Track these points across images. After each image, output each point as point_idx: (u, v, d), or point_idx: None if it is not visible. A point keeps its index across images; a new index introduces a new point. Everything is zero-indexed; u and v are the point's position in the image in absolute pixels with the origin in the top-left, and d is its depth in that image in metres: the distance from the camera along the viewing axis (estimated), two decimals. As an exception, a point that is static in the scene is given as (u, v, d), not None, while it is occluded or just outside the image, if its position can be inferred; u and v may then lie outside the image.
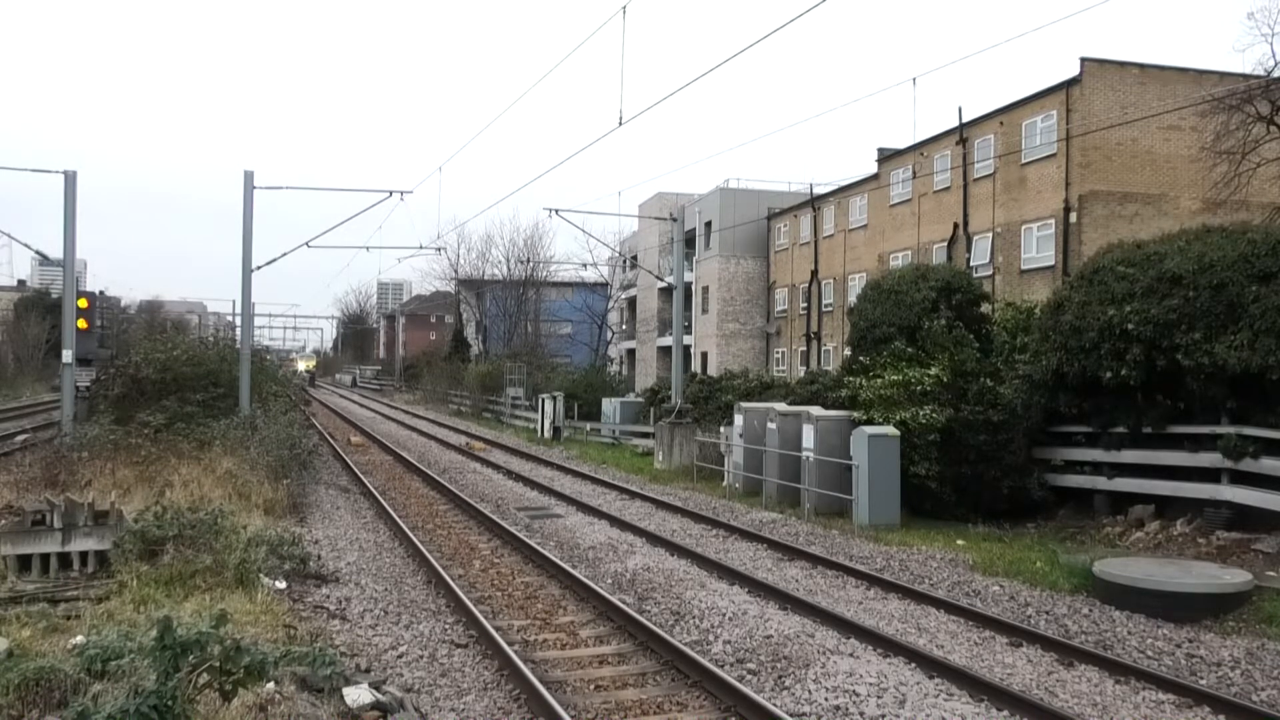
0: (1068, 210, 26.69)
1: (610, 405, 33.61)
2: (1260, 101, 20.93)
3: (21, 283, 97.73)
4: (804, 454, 17.39)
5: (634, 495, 19.71)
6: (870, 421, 16.53)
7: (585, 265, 58.00)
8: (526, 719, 7.37)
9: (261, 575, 9.88)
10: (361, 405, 58.18)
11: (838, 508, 16.58)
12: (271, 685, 6.05)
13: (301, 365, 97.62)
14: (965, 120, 31.17)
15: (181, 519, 10.32)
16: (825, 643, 9.04)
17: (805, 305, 42.45)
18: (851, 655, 8.72)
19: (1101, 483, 15.90)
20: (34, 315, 59.86)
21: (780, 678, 8.24)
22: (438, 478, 21.64)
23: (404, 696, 7.26)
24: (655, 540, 14.49)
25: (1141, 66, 27.35)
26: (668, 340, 48.71)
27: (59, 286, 34.52)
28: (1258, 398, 13.51)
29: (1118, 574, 10.89)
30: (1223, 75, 24.88)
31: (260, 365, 30.36)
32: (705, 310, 48.21)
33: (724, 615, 10.09)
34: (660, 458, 24.90)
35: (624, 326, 62.29)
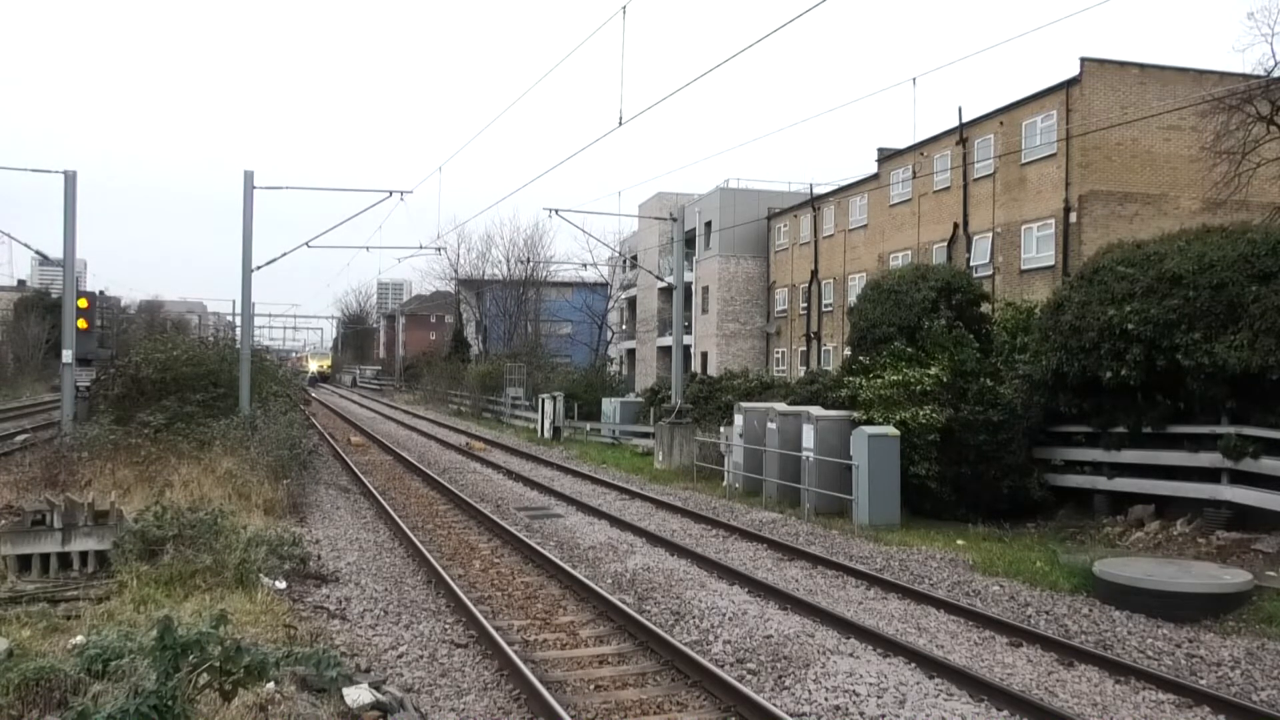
0: (1068, 210, 26.69)
1: (610, 405, 33.60)
2: (1260, 101, 20.91)
3: (21, 283, 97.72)
4: (804, 454, 17.39)
5: (634, 495, 19.71)
6: (870, 421, 16.53)
7: (585, 265, 58.00)
8: (526, 719, 7.37)
9: (261, 575, 9.88)
10: (361, 405, 58.18)
11: (838, 508, 16.59)
12: (271, 685, 6.05)
13: (313, 365, 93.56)
14: (965, 120, 31.17)
15: (181, 519, 10.33)
16: (825, 643, 9.04)
17: (805, 305, 42.44)
18: (851, 655, 8.72)
19: (1101, 483, 15.90)
20: (34, 315, 59.81)
21: (780, 678, 8.24)
22: (438, 478, 21.64)
23: (404, 696, 7.26)
24: (655, 540, 14.49)
25: (1141, 66, 27.35)
26: (668, 340, 48.70)
27: (59, 286, 34.52)
28: (1258, 398, 13.51)
29: (1118, 574, 10.89)
30: (1223, 75, 24.85)
31: (260, 365, 30.35)
32: (705, 310, 48.19)
33: (724, 615, 10.09)
34: (660, 458, 24.90)
35: (624, 326, 62.25)
